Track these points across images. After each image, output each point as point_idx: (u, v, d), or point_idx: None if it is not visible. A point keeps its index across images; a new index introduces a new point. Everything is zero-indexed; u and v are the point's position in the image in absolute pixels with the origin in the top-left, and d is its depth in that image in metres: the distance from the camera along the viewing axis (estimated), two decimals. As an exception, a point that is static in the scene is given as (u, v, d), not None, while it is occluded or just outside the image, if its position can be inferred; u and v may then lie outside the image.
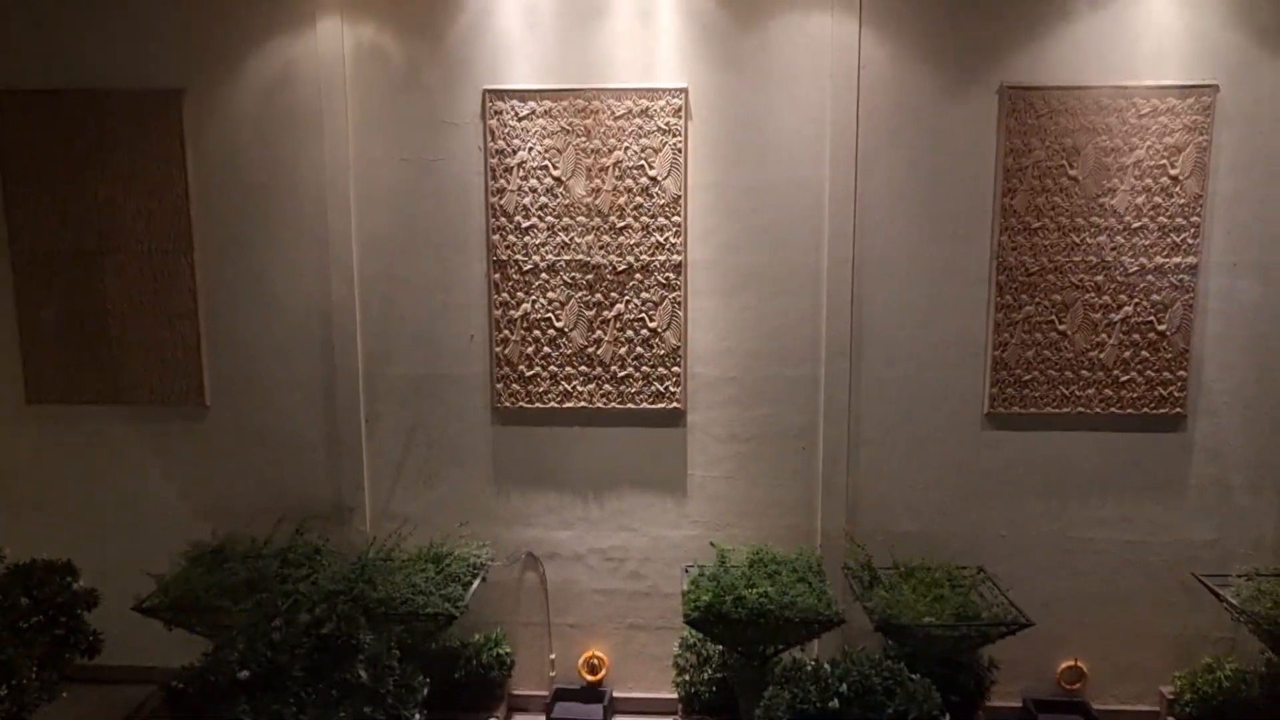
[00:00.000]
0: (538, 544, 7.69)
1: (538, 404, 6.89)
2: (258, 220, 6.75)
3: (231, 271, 6.83)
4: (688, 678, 7.52)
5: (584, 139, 6.35)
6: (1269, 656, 6.79)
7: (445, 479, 7.19)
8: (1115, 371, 6.64)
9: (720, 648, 7.29)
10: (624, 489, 7.30)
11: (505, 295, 6.59)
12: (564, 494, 7.31)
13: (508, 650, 7.56)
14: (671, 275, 6.49)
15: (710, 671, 7.37)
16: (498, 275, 6.57)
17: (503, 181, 6.44)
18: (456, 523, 7.20)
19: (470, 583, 7.03)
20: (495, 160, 6.46)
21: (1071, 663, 7.62)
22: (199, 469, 7.10)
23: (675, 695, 7.66)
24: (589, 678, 7.99)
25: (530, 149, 6.38)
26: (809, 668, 6.05)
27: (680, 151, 6.39)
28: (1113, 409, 6.71)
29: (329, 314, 6.82)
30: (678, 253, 6.48)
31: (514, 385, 6.78)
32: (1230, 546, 6.96)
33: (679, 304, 6.57)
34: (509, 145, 6.36)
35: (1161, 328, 6.54)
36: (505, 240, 6.50)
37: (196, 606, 6.11)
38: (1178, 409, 6.67)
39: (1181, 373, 6.60)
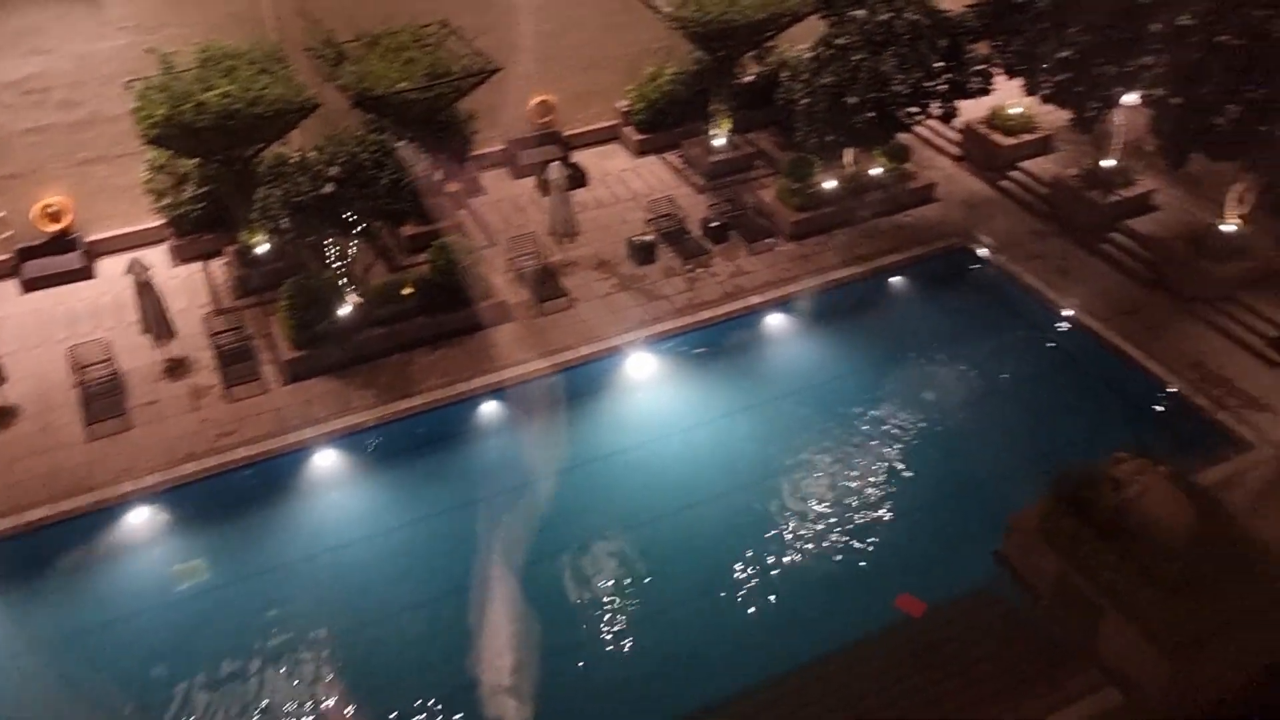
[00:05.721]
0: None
1: None
2: None
3: None
4: (169, 200, 7.03)
5: None
6: (697, 55, 7.75)
7: None
8: None
9: (195, 160, 6.81)
10: (19, 2, 6.08)
11: None
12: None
13: (-61, 222, 6.51)
14: None
15: (192, 188, 6.94)
16: None
17: None
18: None
19: None
20: None
21: (541, 99, 8.16)
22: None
23: (161, 221, 7.22)
24: (53, 228, 7.15)
25: None
26: (295, 159, 5.89)
27: None
28: None
29: None
30: None
31: None
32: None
33: None
34: None
35: None
36: None
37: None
38: None
39: None
